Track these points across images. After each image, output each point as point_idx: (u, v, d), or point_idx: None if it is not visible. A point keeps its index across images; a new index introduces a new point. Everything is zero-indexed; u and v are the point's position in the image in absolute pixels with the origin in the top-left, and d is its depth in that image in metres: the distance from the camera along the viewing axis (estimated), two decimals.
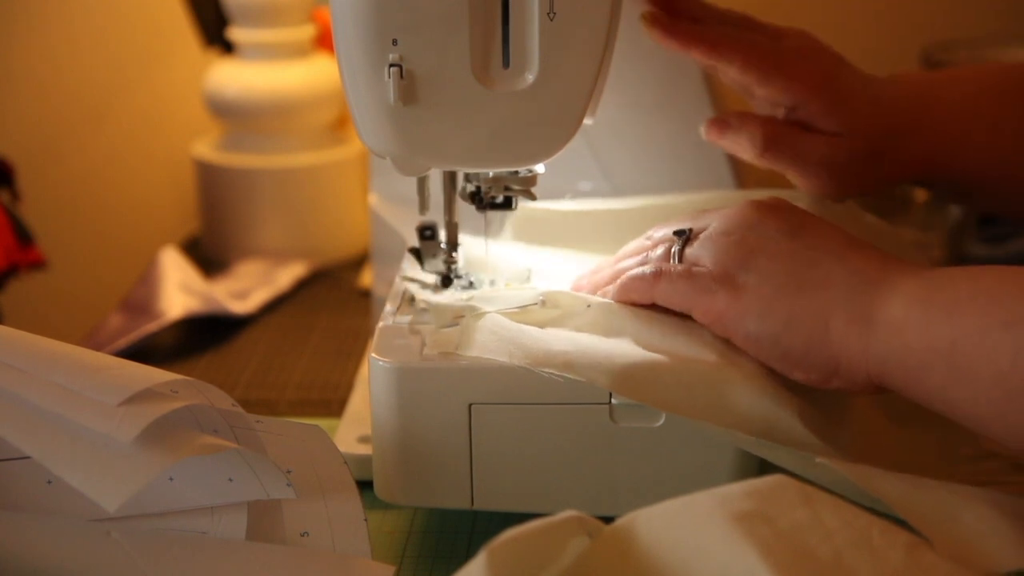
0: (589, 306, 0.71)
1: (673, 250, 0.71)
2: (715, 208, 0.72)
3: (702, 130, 0.84)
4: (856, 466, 0.62)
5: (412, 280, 0.78)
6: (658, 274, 0.70)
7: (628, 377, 0.66)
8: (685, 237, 0.71)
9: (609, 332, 0.70)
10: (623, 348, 0.68)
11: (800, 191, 0.84)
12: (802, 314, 0.66)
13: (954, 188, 0.88)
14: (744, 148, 0.82)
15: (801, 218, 0.70)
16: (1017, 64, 0.87)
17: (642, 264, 0.72)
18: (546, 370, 0.66)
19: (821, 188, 0.82)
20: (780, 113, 0.83)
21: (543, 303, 0.72)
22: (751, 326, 0.67)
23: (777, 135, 0.81)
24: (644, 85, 0.92)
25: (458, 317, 0.73)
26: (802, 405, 0.67)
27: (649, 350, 0.68)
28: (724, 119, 0.83)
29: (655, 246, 0.73)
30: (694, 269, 0.69)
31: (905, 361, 0.63)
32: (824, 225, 0.69)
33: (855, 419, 0.68)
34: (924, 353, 0.62)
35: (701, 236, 0.71)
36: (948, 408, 0.63)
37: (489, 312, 0.72)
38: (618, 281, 0.72)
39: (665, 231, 0.73)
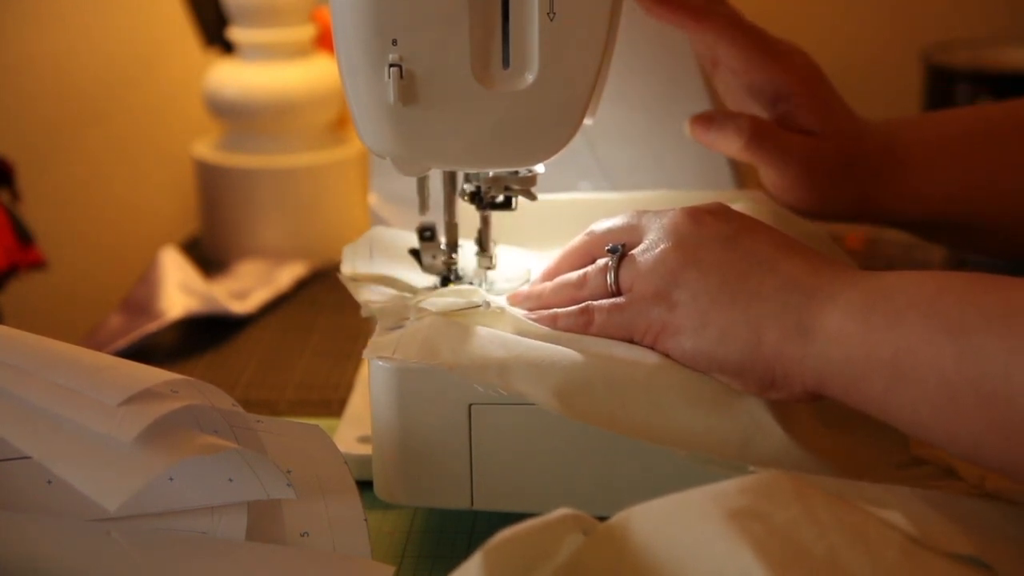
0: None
1: (609, 273, 0.71)
2: (655, 210, 0.72)
3: (685, 127, 0.84)
4: (791, 474, 0.62)
5: (354, 280, 0.77)
6: (590, 316, 0.71)
7: (562, 391, 0.66)
8: (619, 254, 0.71)
9: (547, 335, 0.70)
10: (559, 355, 0.68)
11: (754, 194, 0.84)
12: (735, 327, 0.66)
13: (918, 226, 0.88)
14: (729, 140, 0.82)
15: (737, 224, 0.69)
16: (984, 108, 0.88)
17: (579, 287, 0.72)
18: (481, 386, 0.67)
19: (796, 190, 0.83)
20: (759, 109, 0.84)
21: (487, 305, 0.72)
22: (686, 343, 0.67)
23: (763, 127, 0.82)
24: (644, 85, 0.92)
25: (402, 319, 0.73)
26: (742, 410, 0.67)
27: (587, 354, 0.68)
28: (709, 115, 0.84)
29: (592, 255, 0.73)
30: (622, 300, 0.70)
31: (845, 370, 0.63)
32: (761, 231, 0.69)
33: (791, 425, 0.68)
34: (865, 362, 0.62)
35: (635, 251, 0.70)
36: (889, 415, 0.62)
37: (432, 313, 0.71)
38: (556, 324, 0.72)
39: (606, 226, 0.73)
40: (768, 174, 0.83)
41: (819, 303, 0.64)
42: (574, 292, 0.72)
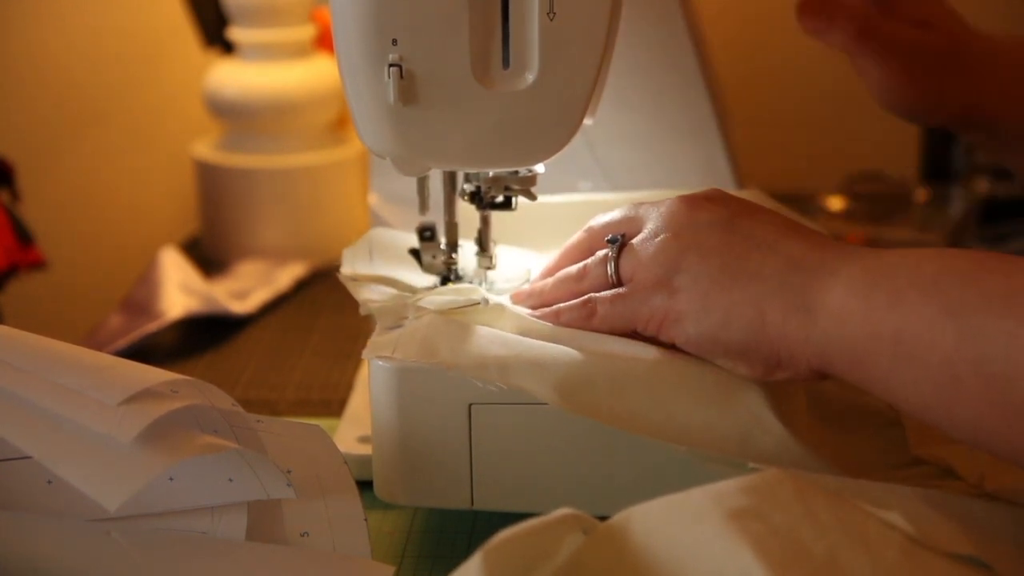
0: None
1: (609, 264, 0.71)
2: (652, 201, 0.72)
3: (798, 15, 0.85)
4: (790, 471, 0.62)
5: (354, 280, 0.77)
6: (592, 308, 0.70)
7: (562, 386, 0.66)
8: (619, 244, 0.71)
9: (547, 334, 0.70)
10: (559, 352, 0.68)
11: (755, 193, 0.83)
12: (738, 308, 0.66)
13: (994, 138, 0.89)
14: (838, 29, 0.84)
15: (735, 208, 0.69)
16: None
17: (580, 279, 0.72)
18: (480, 381, 0.67)
19: (898, 87, 0.84)
20: None
21: (486, 302, 0.72)
22: (690, 329, 0.67)
23: (872, 22, 0.83)
24: (644, 85, 0.92)
25: (401, 319, 0.73)
26: (742, 406, 0.67)
27: (586, 351, 0.68)
28: (819, 4, 0.84)
29: (592, 250, 0.73)
30: (624, 290, 0.70)
31: (848, 349, 0.63)
32: (759, 213, 0.68)
33: (790, 421, 0.68)
34: (867, 341, 0.62)
35: (634, 240, 0.70)
36: (891, 394, 0.62)
37: (431, 312, 0.71)
38: (559, 318, 0.72)
39: (604, 220, 0.73)
40: (870, 70, 0.84)
41: (820, 280, 0.64)
42: (575, 285, 0.72)
